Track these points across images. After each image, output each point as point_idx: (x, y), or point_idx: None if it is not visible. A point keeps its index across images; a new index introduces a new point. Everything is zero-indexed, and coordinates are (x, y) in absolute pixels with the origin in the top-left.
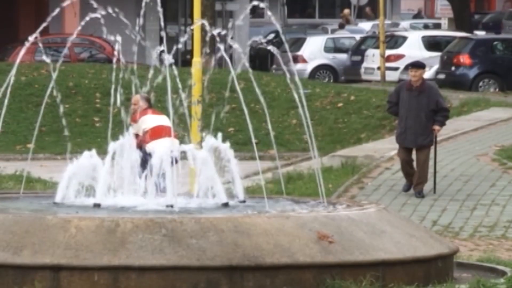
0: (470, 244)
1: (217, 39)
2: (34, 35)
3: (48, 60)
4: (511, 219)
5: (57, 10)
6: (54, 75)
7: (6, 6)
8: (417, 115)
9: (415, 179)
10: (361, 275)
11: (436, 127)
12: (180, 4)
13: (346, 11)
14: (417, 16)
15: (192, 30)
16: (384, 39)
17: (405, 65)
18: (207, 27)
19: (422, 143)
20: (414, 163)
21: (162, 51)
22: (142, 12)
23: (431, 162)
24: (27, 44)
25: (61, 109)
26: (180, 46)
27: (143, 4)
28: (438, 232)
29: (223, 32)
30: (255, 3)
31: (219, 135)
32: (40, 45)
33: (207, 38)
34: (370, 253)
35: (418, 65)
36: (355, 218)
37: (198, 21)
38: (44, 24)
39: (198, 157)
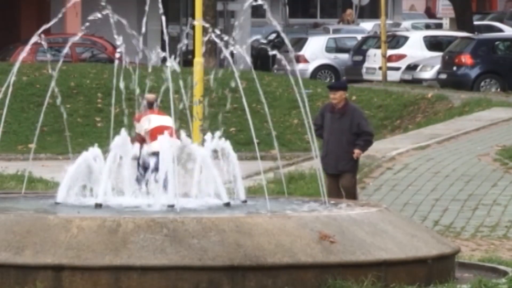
0: (471, 244)
1: (218, 40)
2: (33, 39)
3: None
4: None
5: (59, 16)
6: (55, 74)
7: (8, 6)
8: (338, 138)
9: None
10: (363, 275)
11: (356, 151)
12: (181, 4)
13: (349, 11)
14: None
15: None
16: (385, 39)
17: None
18: (209, 28)
19: (343, 169)
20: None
21: (164, 57)
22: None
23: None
24: (28, 46)
25: (62, 109)
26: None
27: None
28: (439, 232)
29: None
30: (255, 3)
31: (220, 134)
32: (44, 44)
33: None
34: (372, 253)
35: (337, 87)
36: (356, 218)
37: (197, 21)
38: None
39: (199, 156)
